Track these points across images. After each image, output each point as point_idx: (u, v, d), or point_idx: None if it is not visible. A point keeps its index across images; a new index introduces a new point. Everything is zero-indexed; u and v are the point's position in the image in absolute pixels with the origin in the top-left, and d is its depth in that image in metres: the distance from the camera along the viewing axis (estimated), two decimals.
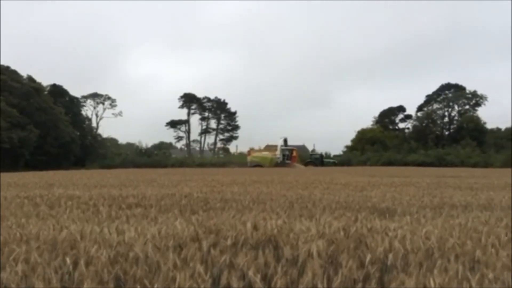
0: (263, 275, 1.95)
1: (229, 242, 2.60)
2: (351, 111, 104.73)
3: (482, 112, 68.33)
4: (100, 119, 72.71)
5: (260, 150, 50.44)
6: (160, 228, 3.13)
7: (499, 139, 60.21)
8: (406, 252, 2.35)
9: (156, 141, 76.73)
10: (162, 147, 71.08)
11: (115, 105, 73.50)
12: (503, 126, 66.34)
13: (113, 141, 70.84)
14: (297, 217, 4.14)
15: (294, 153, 50.85)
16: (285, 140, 51.06)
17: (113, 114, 73.17)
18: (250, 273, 1.84)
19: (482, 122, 65.64)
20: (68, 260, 2.11)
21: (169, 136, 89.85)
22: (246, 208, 5.14)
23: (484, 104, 68.72)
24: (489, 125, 65.92)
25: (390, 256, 2.20)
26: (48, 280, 1.89)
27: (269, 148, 49.94)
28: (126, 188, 9.25)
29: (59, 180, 13.39)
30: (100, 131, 68.29)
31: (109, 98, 73.35)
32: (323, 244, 2.44)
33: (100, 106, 73.10)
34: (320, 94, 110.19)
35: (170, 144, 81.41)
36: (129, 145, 68.33)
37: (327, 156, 57.43)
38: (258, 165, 45.19)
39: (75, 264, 2.09)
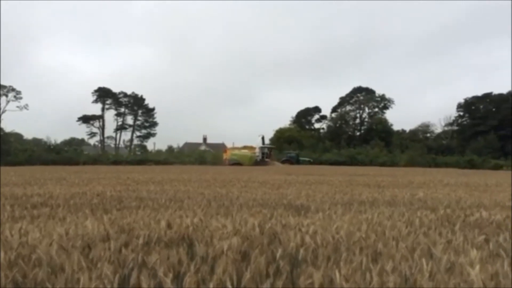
0: (176, 273, 1.92)
1: (141, 241, 2.53)
2: (270, 111, 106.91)
3: (389, 115, 73.37)
4: (3, 112, 67.29)
5: (238, 148, 49.70)
6: (68, 229, 2.96)
7: (403, 140, 65.00)
8: (316, 247, 2.44)
9: (67, 137, 72.48)
10: (73, 144, 67.25)
11: (20, 98, 68.40)
12: (407, 128, 71.77)
13: (17, 136, 65.53)
14: (213, 215, 4.14)
15: (271, 151, 50.86)
16: (263, 138, 50.76)
17: (17, 107, 68.04)
18: (160, 272, 1.80)
19: (389, 124, 70.44)
20: None
21: (81, 132, 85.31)
22: (162, 206, 5.04)
23: (391, 107, 73.89)
24: (395, 127, 70.98)
25: (301, 250, 2.27)
26: None
27: (247, 146, 49.53)
28: (31, 186, 8.63)
29: None
30: (2, 125, 62.87)
31: (13, 89, 68.03)
32: (237, 241, 2.46)
33: (3, 98, 67.62)
34: (241, 93, 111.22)
35: (82, 140, 77.41)
36: (36, 141, 63.57)
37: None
38: (237, 163, 44.32)
39: None
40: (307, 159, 51.40)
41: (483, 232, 3.12)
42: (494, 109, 63.96)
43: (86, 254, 2.26)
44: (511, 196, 7.45)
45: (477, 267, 1.88)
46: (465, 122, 66.90)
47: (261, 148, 49.12)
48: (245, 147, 50.04)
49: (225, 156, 48.06)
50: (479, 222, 3.76)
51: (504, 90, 65.47)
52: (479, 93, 66.59)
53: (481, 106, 65.91)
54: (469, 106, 66.53)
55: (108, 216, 3.72)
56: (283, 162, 49.09)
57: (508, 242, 2.83)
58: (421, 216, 4.10)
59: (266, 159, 48.09)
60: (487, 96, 65.74)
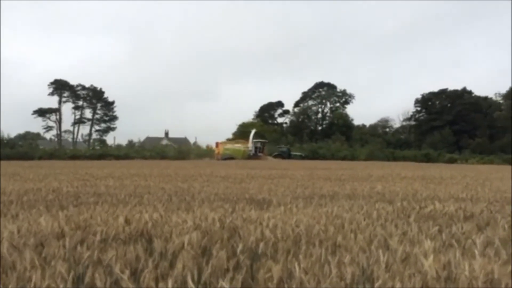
0: (133, 270, 1.88)
1: (98, 237, 2.46)
2: (233, 105, 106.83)
3: (350, 110, 74.84)
4: None
5: (231, 143, 48.96)
6: (20, 226, 2.85)
7: (363, 135, 66.53)
8: (276, 240, 2.45)
9: (21, 131, 69.82)
10: (28, 138, 64.84)
11: None
12: (367, 123, 73.48)
13: None
14: (174, 210, 4.09)
15: (264, 146, 50.39)
16: (255, 133, 50.11)
17: None
18: (117, 269, 1.75)
19: (350, 119, 71.85)
20: None
21: (36, 125, 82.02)
22: (121, 202, 4.92)
23: (352, 102, 75.42)
24: (356, 122, 72.49)
25: (261, 244, 2.28)
26: None
27: (239, 140, 48.91)
28: None
29: None
30: None
31: None
32: (197, 236, 2.44)
33: None
34: (204, 87, 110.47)
35: (38, 134, 74.65)
36: None
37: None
38: (230, 157, 43.62)
39: None
40: (298, 153, 50.90)
41: (437, 223, 3.23)
42: (449, 105, 66.37)
43: (39, 252, 2.17)
44: (464, 188, 7.77)
45: (431, 257, 1.94)
46: (422, 117, 69.07)
47: (254, 143, 48.83)
48: (237, 142, 49.70)
49: (217, 150, 47.43)
50: (433, 213, 3.89)
51: (459, 86, 68.04)
52: (436, 89, 68.93)
53: (437, 102, 68.22)
54: (426, 102, 68.74)
55: (64, 213, 3.60)
56: (275, 156, 48.54)
57: (460, 232, 2.94)
58: (379, 208, 4.21)
59: (259, 154, 47.80)
60: (443, 92, 68.11)
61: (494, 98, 65.78)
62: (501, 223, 3.29)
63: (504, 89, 61.69)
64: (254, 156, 46.27)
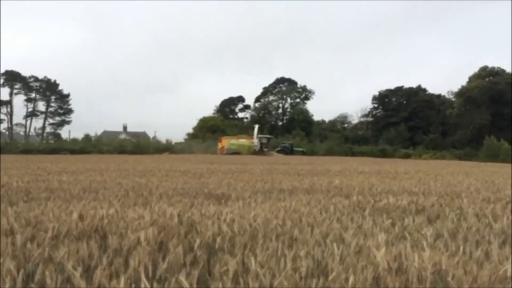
0: (86, 267, 1.83)
1: (49, 234, 2.38)
2: (193, 99, 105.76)
3: (310, 105, 75.85)
4: None
5: (235, 138, 48.00)
6: None
7: (323, 130, 67.61)
8: (233, 235, 2.46)
9: None
10: None
11: None
12: (327, 119, 74.72)
13: None
14: (131, 206, 4.01)
15: (269, 141, 49.68)
16: (259, 128, 49.16)
17: None
18: (69, 266, 1.70)
19: (310, 114, 72.82)
20: None
21: None
22: (75, 197, 4.78)
23: (312, 98, 76.43)
24: (316, 117, 73.54)
25: (218, 239, 2.28)
26: None
27: (241, 136, 48.10)
28: None
29: None
30: None
31: None
32: (154, 231, 2.41)
33: None
34: (164, 81, 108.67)
35: None
36: None
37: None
38: (235, 152, 42.71)
39: None
40: (300, 149, 50.64)
41: (390, 216, 3.34)
42: (405, 102, 68.44)
43: None
44: (417, 182, 8.06)
45: (383, 249, 2.00)
46: (379, 114, 70.91)
47: (260, 138, 48.35)
48: (240, 137, 49.20)
49: (221, 145, 46.73)
50: (387, 207, 4.01)
51: (414, 84, 70.29)
52: (393, 86, 70.90)
53: (394, 99, 70.20)
54: (383, 99, 70.58)
55: (13, 209, 3.46)
56: (277, 152, 48.05)
57: (411, 225, 3.05)
58: (336, 202, 4.29)
59: (265, 149, 47.35)
60: (399, 90, 70.14)
61: (447, 96, 68.41)
62: (450, 216, 3.44)
63: (456, 88, 64.27)
64: (259, 151, 45.93)
